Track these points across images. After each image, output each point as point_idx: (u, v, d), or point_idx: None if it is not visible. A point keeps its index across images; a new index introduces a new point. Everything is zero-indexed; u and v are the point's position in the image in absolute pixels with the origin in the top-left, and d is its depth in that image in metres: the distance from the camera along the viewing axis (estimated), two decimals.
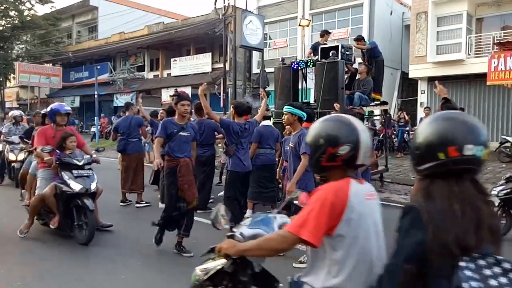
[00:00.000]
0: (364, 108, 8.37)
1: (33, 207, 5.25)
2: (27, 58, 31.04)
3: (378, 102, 9.14)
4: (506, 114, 15.62)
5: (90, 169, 5.31)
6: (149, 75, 27.74)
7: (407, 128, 14.76)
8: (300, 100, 9.25)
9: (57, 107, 5.40)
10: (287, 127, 5.38)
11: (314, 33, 19.31)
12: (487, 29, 16.11)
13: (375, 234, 1.65)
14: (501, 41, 14.30)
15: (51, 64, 31.81)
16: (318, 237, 1.57)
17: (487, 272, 1.23)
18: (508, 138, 12.67)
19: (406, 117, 15.11)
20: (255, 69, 20.89)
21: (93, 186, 5.15)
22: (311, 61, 8.68)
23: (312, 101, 9.13)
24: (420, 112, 16.04)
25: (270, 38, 21.72)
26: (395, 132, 14.77)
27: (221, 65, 19.70)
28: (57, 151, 5.15)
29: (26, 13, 30.32)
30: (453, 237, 1.30)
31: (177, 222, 4.75)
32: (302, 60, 9.04)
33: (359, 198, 1.64)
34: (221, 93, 19.22)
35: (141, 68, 28.00)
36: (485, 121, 16.02)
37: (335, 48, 8.28)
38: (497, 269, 1.24)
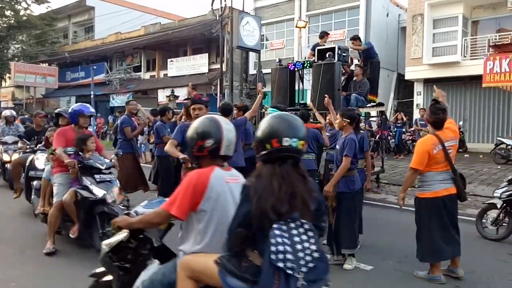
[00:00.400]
0: (361, 109, 8.39)
1: (53, 217, 4.72)
2: (23, 58, 30.89)
3: (375, 103, 9.17)
4: (501, 116, 15.72)
5: (110, 173, 4.92)
6: (145, 75, 27.69)
7: (404, 130, 14.83)
8: (296, 101, 9.28)
9: (81, 108, 4.95)
10: None
11: (311, 34, 19.37)
12: (483, 32, 16.21)
13: (234, 209, 1.93)
14: (496, 43, 14.39)
15: (47, 64, 31.67)
16: (184, 212, 2.03)
17: (294, 231, 1.67)
18: (503, 139, 12.74)
19: (404, 118, 15.18)
20: (252, 70, 20.89)
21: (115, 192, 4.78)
22: (308, 62, 8.70)
23: (308, 102, 9.15)
24: (416, 114, 16.12)
25: (267, 39, 21.74)
26: (391, 133, 14.82)
27: (218, 66, 19.68)
28: (80, 153, 4.74)
29: (22, 12, 30.18)
30: (270, 205, 1.70)
31: None
32: (299, 61, 9.06)
33: (219, 180, 2.08)
34: (218, 94, 19.20)
35: (137, 69, 27.95)
36: (480, 123, 16.13)
37: (332, 49, 8.30)
38: (301, 229, 1.68)
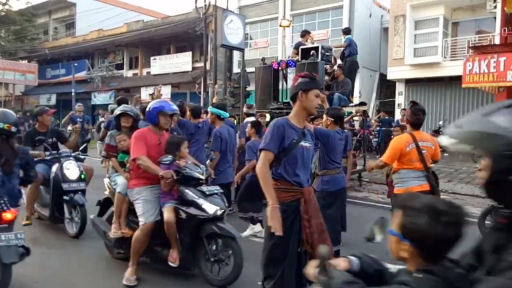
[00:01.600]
0: (344, 108, 8.47)
1: (140, 242, 3.81)
2: (1, 54, 30.21)
3: (357, 103, 9.27)
4: None
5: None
6: (128, 73, 27.38)
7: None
8: (280, 100, 9.31)
9: (162, 105, 4.01)
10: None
11: (295, 33, 19.42)
12: (463, 33, 16.53)
13: None
14: (475, 45, 14.69)
15: (26, 61, 31.05)
16: None
17: None
18: None
19: (387, 117, 15.37)
20: (236, 69, 20.85)
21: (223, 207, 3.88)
22: (292, 61, 8.75)
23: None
24: (398, 114, 16.34)
25: (251, 38, 21.74)
26: (373, 133, 14.99)
27: (202, 64, 19.62)
28: (176, 162, 3.86)
29: (0, 8, 29.52)
30: None
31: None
32: (283, 60, 9.09)
33: None
34: (202, 93, 19.13)
35: (119, 66, 27.60)
36: None
37: (315, 49, 8.37)
38: None
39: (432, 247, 1.30)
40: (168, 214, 3.74)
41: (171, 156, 3.80)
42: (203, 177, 3.88)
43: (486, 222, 5.58)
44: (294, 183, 2.85)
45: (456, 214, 1.30)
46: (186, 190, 3.79)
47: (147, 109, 4.09)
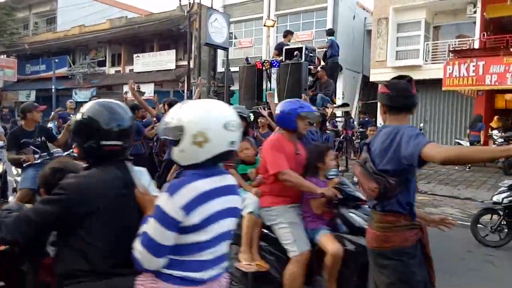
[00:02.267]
0: (327, 109, 8.53)
1: (296, 277, 2.93)
2: None
3: (340, 104, 9.35)
4: (459, 118, 16.38)
5: None
6: (110, 70, 26.98)
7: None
8: (263, 100, 9.31)
9: (302, 105, 3.24)
10: None
11: (279, 34, 19.44)
12: (443, 37, 16.83)
13: None
14: (455, 49, 14.99)
15: (5, 56, 30.30)
16: None
17: None
18: (461, 141, 13.30)
19: (366, 119, 15.55)
20: (220, 68, 20.80)
21: None
22: (276, 61, 8.76)
23: (276, 101, 9.19)
24: (380, 116, 16.53)
25: (235, 38, 21.70)
26: (356, 134, 15.13)
27: (185, 63, 19.46)
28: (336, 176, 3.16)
29: None
30: None
31: None
32: (267, 60, 9.10)
33: None
34: (185, 91, 19.01)
35: (102, 63, 27.16)
36: (440, 125, 16.74)
37: (299, 49, 8.40)
38: None
39: None
40: (334, 245, 2.89)
41: (335, 170, 3.20)
42: (363, 197, 2.92)
43: (478, 225, 5.53)
44: (412, 215, 2.28)
45: None
46: (351, 214, 3.00)
47: (279, 111, 3.27)
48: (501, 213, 5.34)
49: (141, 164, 2.08)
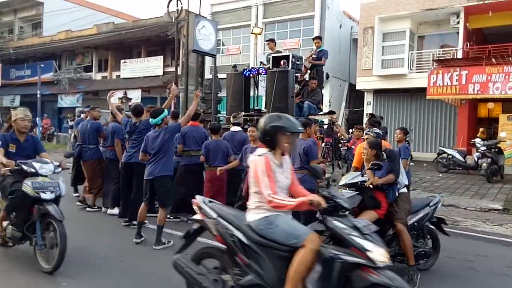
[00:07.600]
0: (313, 116, 8.61)
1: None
2: None
3: (326, 112, 9.45)
4: (443, 126, 16.66)
5: None
6: (97, 76, 26.77)
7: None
8: (251, 107, 9.36)
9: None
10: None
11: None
12: (428, 47, 17.15)
13: None
14: (439, 58, 15.28)
15: None
16: None
17: None
18: (445, 149, 13.51)
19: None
20: (208, 75, 20.81)
21: None
22: (263, 69, 8.83)
23: (263, 108, 9.26)
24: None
25: (223, 45, 21.77)
26: (342, 141, 15.21)
27: (173, 69, 19.44)
28: None
29: None
30: None
31: None
32: (254, 68, 9.16)
33: None
34: None
35: (88, 69, 26.95)
36: (424, 133, 17.00)
37: (286, 57, 8.48)
38: None
39: None
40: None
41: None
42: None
43: None
44: None
45: None
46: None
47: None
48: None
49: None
